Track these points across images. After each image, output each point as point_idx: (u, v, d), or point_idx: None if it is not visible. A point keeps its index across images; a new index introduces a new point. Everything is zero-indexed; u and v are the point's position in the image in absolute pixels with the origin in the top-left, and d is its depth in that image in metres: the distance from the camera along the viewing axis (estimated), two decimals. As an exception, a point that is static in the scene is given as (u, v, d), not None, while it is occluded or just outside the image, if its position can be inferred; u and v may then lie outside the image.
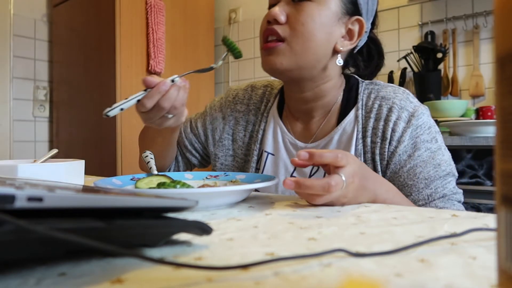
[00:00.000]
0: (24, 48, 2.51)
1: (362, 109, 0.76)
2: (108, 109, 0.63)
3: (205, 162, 0.98)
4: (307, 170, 0.78)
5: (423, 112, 0.73)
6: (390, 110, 0.73)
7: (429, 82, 1.97)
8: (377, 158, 0.72)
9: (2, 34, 2.41)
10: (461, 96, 2.01)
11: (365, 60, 0.85)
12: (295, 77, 0.76)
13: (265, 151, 0.84)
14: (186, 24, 2.44)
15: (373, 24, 0.82)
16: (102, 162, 2.16)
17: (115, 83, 2.08)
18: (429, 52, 1.95)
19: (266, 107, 0.87)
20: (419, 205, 0.69)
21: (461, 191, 0.72)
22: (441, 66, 2.01)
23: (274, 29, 0.72)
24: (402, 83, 2.09)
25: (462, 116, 1.83)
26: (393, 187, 0.64)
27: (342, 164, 0.52)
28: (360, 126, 0.75)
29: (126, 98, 0.65)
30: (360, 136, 0.75)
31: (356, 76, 0.84)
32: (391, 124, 0.71)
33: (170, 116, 0.70)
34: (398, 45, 2.18)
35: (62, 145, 2.46)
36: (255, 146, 0.85)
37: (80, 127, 2.34)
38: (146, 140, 0.88)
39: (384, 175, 0.72)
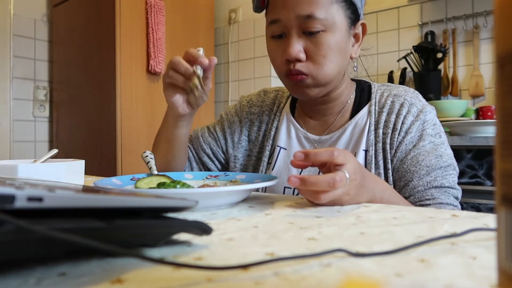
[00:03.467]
0: (24, 48, 2.51)
1: (375, 105, 0.82)
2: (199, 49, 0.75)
3: (223, 167, 1.00)
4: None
5: (430, 110, 0.79)
6: (401, 105, 0.78)
7: (429, 82, 1.97)
8: (387, 147, 0.77)
9: (2, 34, 2.41)
10: (461, 96, 2.01)
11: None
12: (324, 95, 0.81)
13: (278, 146, 0.88)
14: (186, 24, 2.44)
15: None
16: (102, 162, 2.16)
17: (115, 83, 2.08)
18: (429, 52, 1.95)
19: (279, 107, 0.93)
20: (418, 191, 0.71)
21: (460, 189, 0.75)
22: (441, 66, 2.01)
23: (298, 70, 0.74)
24: (402, 83, 2.09)
25: (462, 116, 1.83)
26: (388, 186, 0.66)
27: (341, 162, 0.52)
28: (373, 120, 0.80)
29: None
30: (372, 128, 0.79)
31: (366, 80, 0.90)
32: (401, 117, 0.77)
33: (169, 88, 0.76)
34: (398, 45, 2.18)
35: (62, 145, 2.46)
36: (268, 143, 0.89)
37: (80, 127, 2.34)
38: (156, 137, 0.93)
39: (391, 162, 0.77)
